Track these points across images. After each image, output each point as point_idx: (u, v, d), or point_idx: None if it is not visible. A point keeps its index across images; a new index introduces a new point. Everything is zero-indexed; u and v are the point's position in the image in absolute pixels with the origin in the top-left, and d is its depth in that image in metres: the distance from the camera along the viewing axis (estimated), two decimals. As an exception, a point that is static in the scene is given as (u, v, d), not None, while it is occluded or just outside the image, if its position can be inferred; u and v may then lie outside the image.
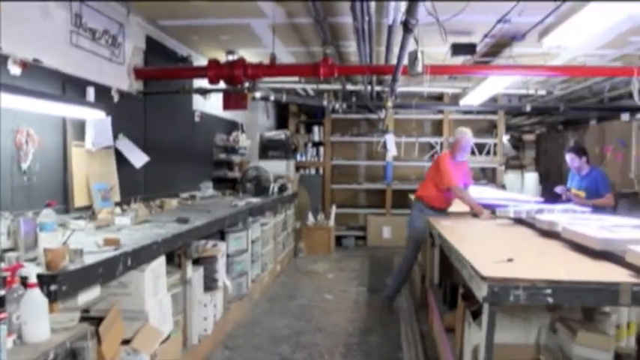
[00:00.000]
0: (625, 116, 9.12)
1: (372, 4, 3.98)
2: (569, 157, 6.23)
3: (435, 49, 6.11)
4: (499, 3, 4.65)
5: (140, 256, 3.24)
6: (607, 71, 6.80)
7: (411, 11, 3.19)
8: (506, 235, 4.06)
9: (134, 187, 5.39)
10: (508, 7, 4.69)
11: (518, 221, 4.56)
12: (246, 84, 5.74)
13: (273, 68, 5.61)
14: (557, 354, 2.84)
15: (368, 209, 11.00)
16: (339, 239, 10.45)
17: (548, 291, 2.37)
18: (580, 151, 6.29)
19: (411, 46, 4.07)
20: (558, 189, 6.43)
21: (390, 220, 10.54)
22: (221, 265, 5.02)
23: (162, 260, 3.67)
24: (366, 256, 9.54)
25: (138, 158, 5.29)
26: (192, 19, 5.63)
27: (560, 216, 4.17)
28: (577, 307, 3.07)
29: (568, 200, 6.10)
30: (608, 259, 2.86)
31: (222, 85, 5.83)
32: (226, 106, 6.08)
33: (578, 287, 2.40)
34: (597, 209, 5.33)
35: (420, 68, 3.98)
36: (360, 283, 7.46)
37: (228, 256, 5.42)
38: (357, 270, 8.33)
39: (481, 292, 2.42)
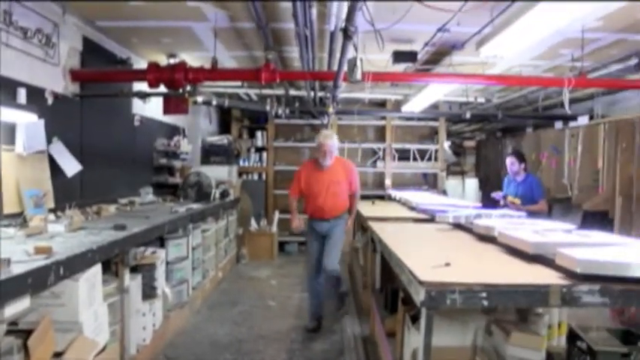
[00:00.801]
0: (558, 124, 9.50)
1: (314, 11, 4.00)
2: (510, 161, 6.41)
3: (377, 57, 6.20)
4: (439, 13, 4.75)
5: (74, 265, 3.13)
6: (540, 81, 7.06)
7: (350, 18, 3.22)
8: (445, 240, 4.14)
9: (69, 193, 5.21)
10: (447, 16, 4.80)
11: (458, 226, 4.65)
12: (188, 88, 5.66)
13: (215, 72, 5.56)
14: (493, 355, 2.90)
15: (311, 215, 10.98)
16: (282, 245, 10.43)
17: (484, 294, 2.42)
18: (520, 156, 6.50)
19: (352, 53, 4.11)
20: (495, 195, 6.61)
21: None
22: (160, 272, 4.91)
23: (97, 269, 3.56)
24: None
25: (71, 166, 5.11)
26: (131, 20, 5.52)
27: (496, 221, 4.29)
28: (512, 308, 3.15)
29: (505, 206, 6.28)
30: (540, 262, 2.95)
31: (162, 88, 5.72)
32: (167, 110, 5.97)
33: (512, 290, 2.47)
34: (532, 215, 5.50)
35: (359, 75, 4.02)
36: (303, 289, 7.42)
37: (167, 263, 5.31)
38: (300, 276, 8.32)
39: (419, 296, 2.45)
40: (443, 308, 2.56)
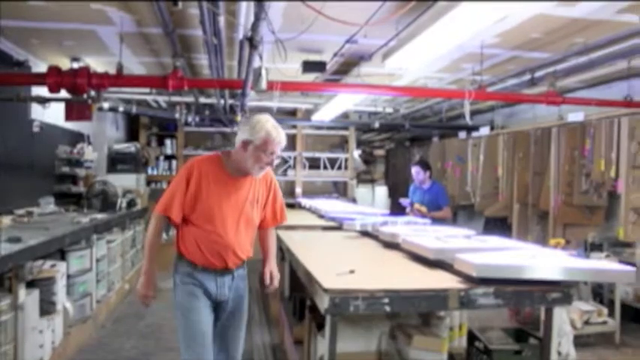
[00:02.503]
0: (462, 134, 9.93)
1: (222, 19, 3.97)
2: (415, 170, 6.61)
3: (287, 66, 6.22)
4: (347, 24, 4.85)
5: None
6: (443, 93, 7.36)
7: (255, 28, 3.23)
8: (351, 247, 4.21)
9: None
10: (356, 28, 4.91)
11: (365, 233, 4.75)
12: (91, 94, 5.45)
13: (120, 79, 5.39)
14: (396, 358, 2.99)
15: (223, 224, 10.85)
16: (193, 254, 10.19)
17: (386, 300, 2.49)
18: (425, 165, 6.72)
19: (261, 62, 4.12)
20: (403, 201, 6.79)
21: (245, 234, 10.49)
22: (60, 286, 4.68)
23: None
24: (220, 271, 9.38)
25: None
26: (31, 20, 5.24)
27: (401, 228, 4.41)
28: (415, 313, 3.25)
29: (412, 213, 6.48)
30: (441, 267, 3.07)
31: (64, 94, 5.48)
32: (69, 116, 5.72)
33: (413, 295, 2.55)
34: (437, 221, 5.71)
35: (264, 85, 4.04)
36: (213, 299, 7.32)
37: (69, 276, 5.07)
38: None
39: (323, 303, 2.49)
40: (347, 315, 2.62)
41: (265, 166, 3.01)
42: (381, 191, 13.45)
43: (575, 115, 6.88)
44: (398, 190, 12.83)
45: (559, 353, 3.33)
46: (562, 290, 2.71)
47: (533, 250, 3.29)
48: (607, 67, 6.09)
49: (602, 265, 3.10)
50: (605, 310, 5.86)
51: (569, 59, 5.71)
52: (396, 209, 7.59)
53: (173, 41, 4.93)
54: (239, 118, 7.42)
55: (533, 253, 3.03)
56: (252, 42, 3.38)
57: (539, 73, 6.19)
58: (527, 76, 6.31)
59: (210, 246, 3.05)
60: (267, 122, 3.00)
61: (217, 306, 3.15)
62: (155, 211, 3.06)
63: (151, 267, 3.19)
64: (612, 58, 5.44)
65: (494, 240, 3.76)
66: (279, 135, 3.00)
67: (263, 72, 4.00)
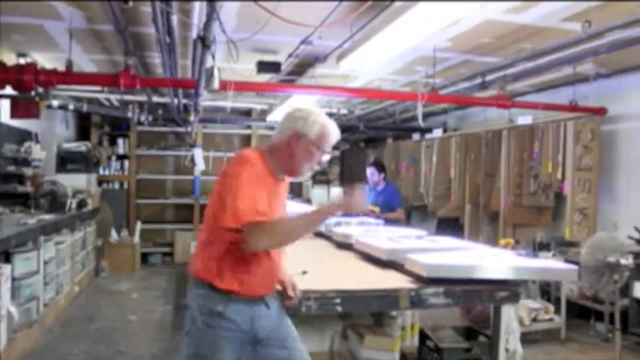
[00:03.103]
0: (416, 136, 10.08)
1: (175, 18, 3.92)
2: (370, 172, 6.64)
3: (242, 66, 6.19)
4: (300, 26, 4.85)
5: None
6: (397, 95, 7.44)
7: (207, 28, 3.20)
8: (304, 248, 4.20)
9: None
10: (310, 29, 4.92)
11: (318, 234, 4.76)
12: (39, 91, 5.30)
13: (70, 76, 5.25)
14: (348, 358, 3.01)
15: (176, 225, 10.74)
16: (145, 256, 10.05)
17: (338, 300, 2.51)
18: (380, 166, 6.77)
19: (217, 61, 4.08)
20: None
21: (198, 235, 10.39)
22: (4, 290, 4.53)
23: None
24: (173, 272, 9.27)
25: None
26: (-27, 13, 5.06)
27: (354, 228, 4.45)
28: (367, 313, 3.28)
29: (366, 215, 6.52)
30: (393, 267, 3.11)
31: (9, 90, 5.31)
32: (14, 114, 5.55)
33: (364, 295, 2.58)
34: (390, 222, 5.76)
35: (216, 85, 4.00)
36: (166, 302, 7.23)
37: (14, 279, 4.90)
38: (163, 288, 8.09)
39: (275, 304, 2.48)
40: (299, 315, 2.63)
41: (315, 165, 2.53)
42: (337, 192, 13.50)
43: (524, 119, 7.06)
44: (353, 190, 12.92)
45: (507, 350, 3.42)
46: (510, 289, 2.78)
47: (483, 250, 3.36)
48: (554, 72, 6.28)
49: (548, 264, 3.20)
50: (552, 308, 6.04)
51: (518, 64, 5.86)
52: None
53: (125, 39, 4.83)
54: (192, 117, 7.35)
55: (482, 253, 3.10)
56: (204, 42, 3.35)
57: (489, 77, 6.32)
58: (479, 80, 6.44)
59: (259, 268, 2.40)
60: (321, 115, 2.55)
61: (253, 342, 2.46)
62: (251, 222, 2.21)
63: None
64: (558, 64, 5.61)
65: (445, 240, 3.83)
66: (335, 129, 2.53)
67: (215, 72, 3.97)
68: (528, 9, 4.52)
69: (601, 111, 6.69)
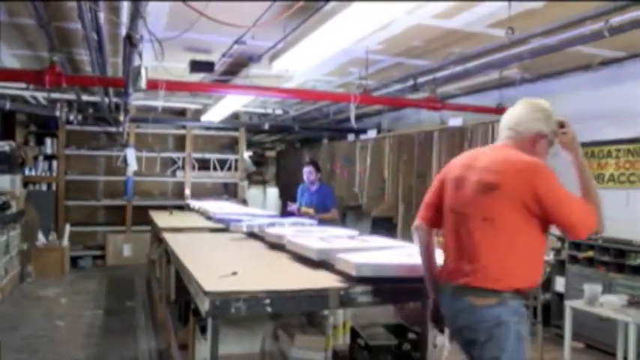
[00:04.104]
0: (351, 137, 10.20)
1: (102, 15, 3.81)
2: (308, 170, 6.66)
3: (174, 65, 6.12)
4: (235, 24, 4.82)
5: None
6: (331, 96, 7.51)
7: (133, 26, 3.14)
8: (237, 249, 4.20)
9: None
10: (244, 30, 4.89)
11: (251, 235, 4.74)
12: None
13: (-11, 71, 5.03)
14: (279, 359, 3.01)
15: (107, 227, 10.43)
16: (74, 260, 9.72)
17: (267, 301, 2.50)
18: (318, 166, 6.83)
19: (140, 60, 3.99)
20: (290, 207, 6.80)
21: (131, 237, 10.15)
22: None
23: None
24: (104, 276, 9.02)
25: None
26: None
27: (288, 229, 4.45)
28: (297, 313, 3.29)
29: (300, 216, 6.54)
30: (324, 267, 3.13)
31: None
32: None
33: (294, 295, 2.58)
34: (325, 223, 5.80)
35: (143, 84, 3.92)
36: (96, 306, 7.03)
37: None
38: (93, 292, 7.85)
39: (204, 306, 2.45)
40: (229, 317, 2.61)
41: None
42: (273, 193, 13.51)
43: (455, 121, 7.28)
44: (289, 191, 12.94)
45: (434, 345, 3.51)
46: (437, 286, 2.85)
47: (412, 249, 3.43)
48: (482, 76, 6.50)
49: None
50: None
51: (448, 67, 6.02)
52: (287, 211, 7.65)
53: (49, 34, 4.66)
54: (121, 117, 7.17)
55: (411, 251, 3.16)
56: (131, 40, 3.28)
57: (421, 80, 6.47)
58: (410, 82, 6.58)
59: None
60: (550, 108, 2.56)
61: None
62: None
63: None
64: (485, 68, 5.80)
65: (377, 240, 3.89)
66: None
67: (143, 71, 3.88)
68: (456, 15, 4.67)
69: (526, 114, 6.95)
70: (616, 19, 4.12)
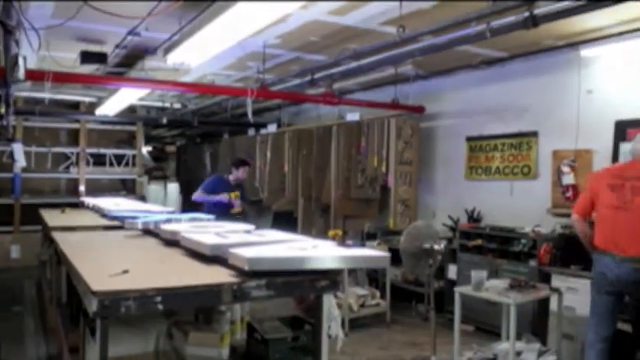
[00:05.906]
0: (251, 131, 10.17)
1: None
2: (246, 170, 6.82)
3: (64, 55, 5.85)
4: (129, 15, 4.65)
5: None
6: (228, 90, 7.46)
7: (6, 12, 2.96)
8: (131, 246, 4.08)
9: None
10: (138, 20, 4.75)
11: (147, 232, 4.62)
12: None
13: None
14: (174, 357, 2.97)
15: (-7, 227, 9.77)
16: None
17: (159, 298, 2.46)
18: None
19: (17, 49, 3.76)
20: (223, 198, 6.66)
21: (19, 237, 9.56)
22: None
23: None
24: (-11, 278, 8.50)
25: None
26: None
27: (184, 225, 4.37)
28: (191, 309, 3.26)
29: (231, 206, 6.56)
30: (219, 262, 3.11)
31: None
32: None
33: (186, 292, 2.55)
34: (231, 217, 5.82)
35: (21, 74, 3.69)
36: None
37: None
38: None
39: (92, 307, 2.37)
40: (119, 316, 2.54)
41: None
42: (173, 188, 13.23)
43: (352, 115, 7.45)
44: (190, 186, 12.72)
45: (329, 336, 3.60)
46: (330, 278, 2.92)
47: (307, 242, 3.48)
48: (378, 72, 6.69)
49: (364, 252, 3.38)
50: (378, 293, 6.46)
51: (343, 63, 6.15)
52: (188, 206, 7.51)
53: None
54: (3, 110, 6.72)
55: (304, 245, 3.21)
56: (5, 26, 3.08)
57: (318, 75, 6.56)
58: (308, 77, 6.65)
59: None
60: None
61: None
62: None
63: None
64: (380, 65, 5.98)
65: (273, 234, 3.91)
66: None
67: (20, 60, 3.65)
68: (350, 12, 4.77)
69: (420, 109, 7.25)
70: (496, 22, 4.40)
